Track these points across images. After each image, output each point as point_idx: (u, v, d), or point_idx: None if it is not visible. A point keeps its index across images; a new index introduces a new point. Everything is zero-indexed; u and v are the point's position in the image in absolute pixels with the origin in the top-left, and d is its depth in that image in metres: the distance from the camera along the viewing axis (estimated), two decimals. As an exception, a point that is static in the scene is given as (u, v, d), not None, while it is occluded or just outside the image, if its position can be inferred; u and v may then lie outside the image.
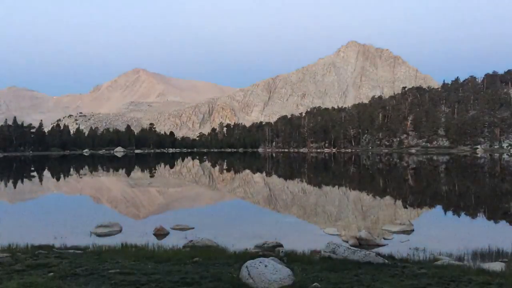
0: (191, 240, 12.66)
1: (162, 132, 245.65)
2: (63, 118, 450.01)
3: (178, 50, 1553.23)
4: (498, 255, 11.28)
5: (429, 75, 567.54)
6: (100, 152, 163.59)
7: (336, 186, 35.89)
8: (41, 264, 8.49)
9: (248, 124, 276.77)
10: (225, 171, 59.48)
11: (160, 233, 14.81)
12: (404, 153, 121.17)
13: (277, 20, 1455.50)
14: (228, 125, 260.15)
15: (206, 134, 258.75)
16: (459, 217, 19.67)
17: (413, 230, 15.30)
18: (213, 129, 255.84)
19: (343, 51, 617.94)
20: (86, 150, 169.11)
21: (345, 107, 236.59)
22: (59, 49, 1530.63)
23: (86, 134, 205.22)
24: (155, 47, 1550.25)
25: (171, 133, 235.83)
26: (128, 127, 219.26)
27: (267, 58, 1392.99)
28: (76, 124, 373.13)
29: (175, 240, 13.13)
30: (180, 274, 7.91)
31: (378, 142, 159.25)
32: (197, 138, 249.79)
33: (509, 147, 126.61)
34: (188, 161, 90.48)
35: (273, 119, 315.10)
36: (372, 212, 21.62)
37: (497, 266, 9.47)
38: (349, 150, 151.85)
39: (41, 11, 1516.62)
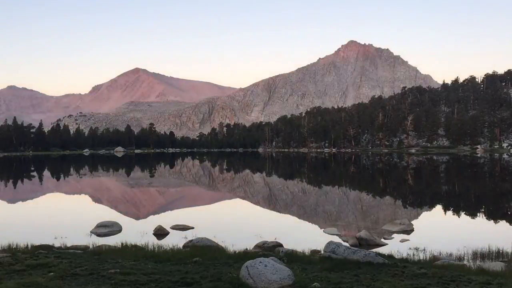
0: (191, 240, 12.65)
1: (162, 132, 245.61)
2: (63, 118, 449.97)
3: (178, 50, 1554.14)
4: (498, 255, 11.28)
5: (429, 75, 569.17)
6: (100, 152, 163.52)
7: (336, 186, 35.88)
8: (41, 264, 8.49)
9: (248, 124, 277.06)
10: (225, 171, 59.48)
11: (160, 233, 14.80)
12: (404, 153, 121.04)
13: (277, 20, 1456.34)
14: (228, 125, 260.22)
15: (206, 134, 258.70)
16: (459, 217, 19.66)
17: (413, 230, 15.30)
18: (213, 129, 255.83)
19: (343, 51, 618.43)
20: (86, 150, 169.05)
21: (345, 107, 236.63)
22: (59, 49, 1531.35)
23: (86, 134, 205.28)
24: (155, 47, 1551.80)
25: (171, 133, 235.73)
26: (128, 127, 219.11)
27: (267, 58, 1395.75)
28: (76, 124, 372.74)
29: (175, 240, 13.12)
30: (180, 274, 7.91)
31: (378, 142, 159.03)
32: (197, 138, 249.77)
33: (509, 147, 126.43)
34: (188, 161, 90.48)
35: (273, 119, 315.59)
36: (372, 212, 21.62)
37: (497, 266, 9.47)
38: (349, 150, 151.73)
39: (41, 11, 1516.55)
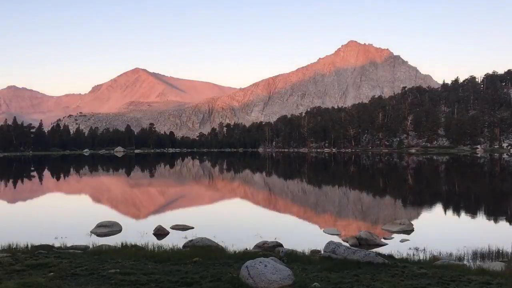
0: (191, 240, 12.66)
1: (162, 132, 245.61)
2: (63, 118, 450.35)
3: (178, 50, 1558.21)
4: (498, 255, 11.28)
5: (429, 75, 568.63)
6: (100, 152, 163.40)
7: (336, 186, 35.90)
8: (41, 264, 8.49)
9: (248, 124, 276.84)
10: (225, 171, 59.50)
11: (160, 233, 14.81)
12: (404, 153, 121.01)
13: (277, 20, 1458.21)
14: (228, 125, 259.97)
15: (206, 134, 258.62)
16: (459, 217, 19.66)
17: (413, 230, 15.30)
18: (213, 129, 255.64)
19: (343, 51, 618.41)
20: (86, 150, 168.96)
21: (345, 107, 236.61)
22: (59, 49, 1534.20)
23: (86, 134, 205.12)
24: (155, 47, 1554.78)
25: (171, 133, 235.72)
26: (128, 127, 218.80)
27: (267, 58, 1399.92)
28: (76, 124, 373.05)
29: (175, 240, 13.13)
30: (180, 274, 7.91)
31: (378, 142, 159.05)
32: (197, 138, 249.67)
33: (509, 147, 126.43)
34: (188, 161, 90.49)
35: (273, 119, 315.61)
36: (372, 212, 21.63)
37: (497, 266, 9.46)
38: (349, 150, 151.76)
39: (41, 11, 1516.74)
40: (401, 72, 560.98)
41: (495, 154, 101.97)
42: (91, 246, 11.81)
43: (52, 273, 7.74)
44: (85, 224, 15.88)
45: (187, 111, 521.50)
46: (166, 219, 17.92)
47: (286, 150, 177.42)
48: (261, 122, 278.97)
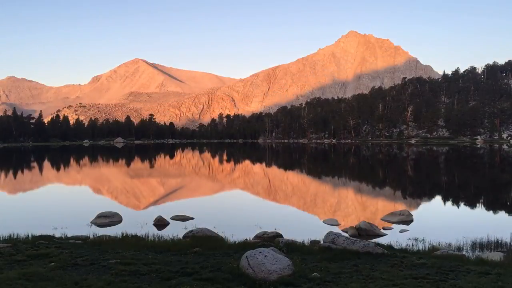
0: (191, 231, 12.69)
1: (162, 123, 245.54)
2: (63, 108, 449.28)
3: (177, 40, 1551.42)
4: (497, 245, 11.33)
5: (430, 65, 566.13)
6: (100, 142, 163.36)
7: (336, 177, 35.94)
8: (42, 254, 8.53)
9: (248, 115, 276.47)
10: (225, 161, 59.54)
11: (160, 224, 14.86)
12: (404, 143, 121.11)
13: (278, 10, 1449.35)
14: (228, 116, 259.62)
15: (206, 125, 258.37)
16: (458, 207, 19.72)
17: (412, 220, 15.35)
18: (213, 120, 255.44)
19: (343, 41, 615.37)
20: (86, 140, 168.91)
21: (345, 98, 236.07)
22: (59, 39, 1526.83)
23: (85, 125, 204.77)
24: (154, 37, 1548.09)
25: (171, 124, 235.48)
26: (128, 117, 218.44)
27: (267, 48, 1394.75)
28: (76, 114, 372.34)
29: (175, 231, 13.16)
30: (180, 264, 7.95)
31: (378, 133, 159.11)
32: (197, 129, 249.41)
33: (509, 137, 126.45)
34: (188, 152, 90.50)
35: (273, 110, 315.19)
36: (372, 202, 21.69)
37: (496, 256, 9.51)
38: (349, 141, 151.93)
39: (41, 1, 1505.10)
40: (401, 63, 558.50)
41: (495, 145, 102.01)
42: (91, 237, 11.85)
43: (53, 263, 7.78)
44: (86, 215, 15.91)
45: (187, 101, 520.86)
46: (166, 209, 17.96)
47: (286, 141, 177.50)
48: (261, 113, 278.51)
